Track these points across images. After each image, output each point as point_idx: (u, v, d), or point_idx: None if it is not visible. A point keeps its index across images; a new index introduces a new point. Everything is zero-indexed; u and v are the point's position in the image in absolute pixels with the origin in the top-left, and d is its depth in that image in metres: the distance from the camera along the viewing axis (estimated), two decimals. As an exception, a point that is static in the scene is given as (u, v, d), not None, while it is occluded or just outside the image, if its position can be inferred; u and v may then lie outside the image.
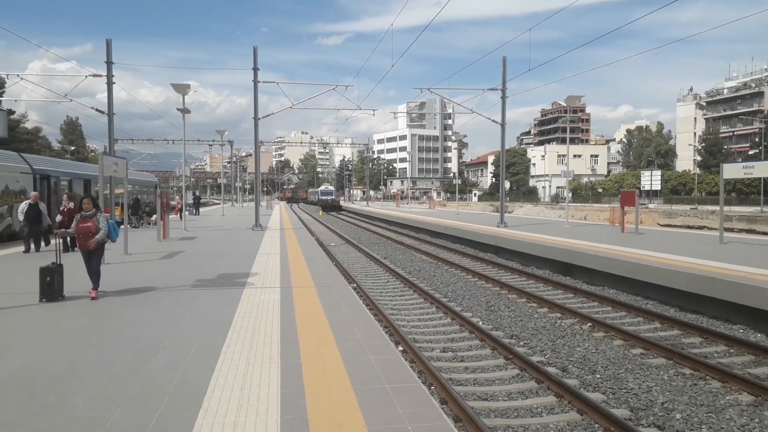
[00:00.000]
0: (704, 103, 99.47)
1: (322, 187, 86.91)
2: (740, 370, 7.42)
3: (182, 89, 21.92)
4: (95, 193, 26.15)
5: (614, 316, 10.65)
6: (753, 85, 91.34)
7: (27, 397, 4.70)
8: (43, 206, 15.26)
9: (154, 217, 24.93)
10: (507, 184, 72.76)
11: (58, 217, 14.17)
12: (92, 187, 27.49)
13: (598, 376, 7.38)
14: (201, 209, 47.32)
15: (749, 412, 6.16)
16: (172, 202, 34.42)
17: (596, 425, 5.75)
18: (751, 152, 74.13)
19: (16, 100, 37.65)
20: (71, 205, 13.81)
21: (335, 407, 4.49)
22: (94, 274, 8.99)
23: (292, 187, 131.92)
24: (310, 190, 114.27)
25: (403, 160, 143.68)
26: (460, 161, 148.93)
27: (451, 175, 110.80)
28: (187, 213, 30.59)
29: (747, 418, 6.00)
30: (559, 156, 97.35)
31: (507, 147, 32.24)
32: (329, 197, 73.36)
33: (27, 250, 14.96)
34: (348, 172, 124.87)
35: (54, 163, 26.72)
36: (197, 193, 69.81)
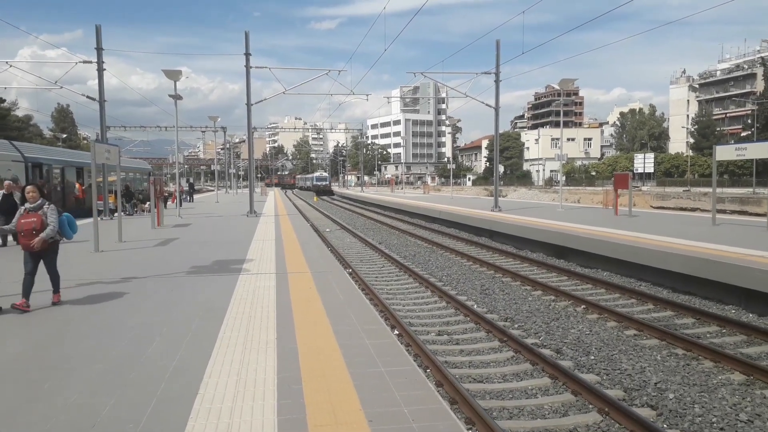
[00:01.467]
0: (697, 86, 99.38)
1: (317, 173, 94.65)
2: (732, 350, 7.51)
3: (174, 75, 21.71)
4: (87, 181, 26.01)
5: (608, 298, 10.72)
6: (745, 66, 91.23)
7: (21, 386, 4.70)
8: (18, 197, 13.69)
9: (147, 204, 24.80)
10: (501, 168, 72.70)
11: None
12: (85, 174, 27.34)
13: (592, 357, 7.45)
14: (195, 196, 47.17)
15: (741, 391, 6.24)
16: (167, 189, 34.23)
17: (590, 406, 5.81)
18: (743, 134, 74.33)
19: (5, 88, 37.13)
20: None
21: (332, 391, 4.51)
22: (53, 276, 7.57)
23: (285, 173, 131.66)
24: (298, 176, 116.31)
25: (397, 145, 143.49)
26: (454, 146, 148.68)
27: (446, 159, 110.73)
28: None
29: (739, 397, 6.08)
30: (552, 139, 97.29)
31: (501, 131, 32.18)
32: (322, 183, 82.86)
33: (4, 244, 14.07)
34: (342, 158, 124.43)
35: (46, 151, 26.48)
36: (191, 180, 69.60)
